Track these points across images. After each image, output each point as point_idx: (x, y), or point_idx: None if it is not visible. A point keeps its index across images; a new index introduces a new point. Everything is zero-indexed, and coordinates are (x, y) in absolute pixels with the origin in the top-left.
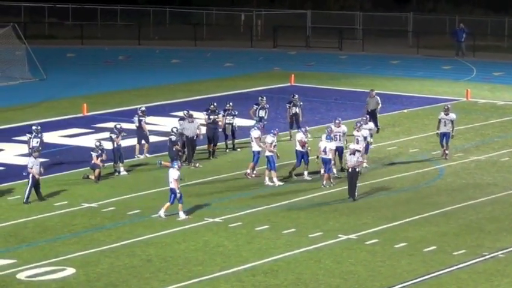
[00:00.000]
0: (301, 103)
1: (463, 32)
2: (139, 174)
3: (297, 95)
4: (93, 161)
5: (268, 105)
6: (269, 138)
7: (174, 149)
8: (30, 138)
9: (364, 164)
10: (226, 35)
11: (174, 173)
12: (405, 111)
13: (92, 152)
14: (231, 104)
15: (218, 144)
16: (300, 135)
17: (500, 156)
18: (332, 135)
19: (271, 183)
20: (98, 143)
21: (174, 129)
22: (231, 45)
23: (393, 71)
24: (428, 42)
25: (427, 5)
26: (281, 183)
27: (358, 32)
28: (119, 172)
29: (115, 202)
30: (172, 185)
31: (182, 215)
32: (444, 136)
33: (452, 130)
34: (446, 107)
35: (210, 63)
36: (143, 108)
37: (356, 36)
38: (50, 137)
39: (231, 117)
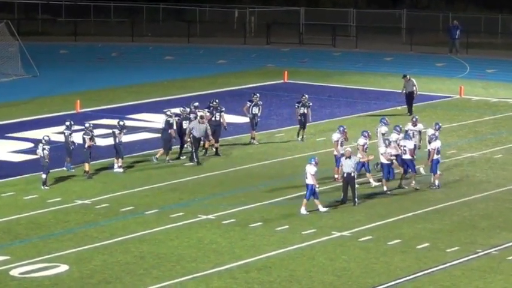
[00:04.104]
0: (311, 103)
1: (457, 29)
2: (132, 171)
3: (306, 95)
4: (86, 145)
5: (261, 102)
6: (361, 141)
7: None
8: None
9: (422, 171)
10: (220, 32)
11: (311, 169)
12: (398, 108)
13: (84, 136)
14: (217, 101)
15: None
16: (383, 149)
17: (493, 153)
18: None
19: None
20: (87, 125)
21: (170, 120)
22: (224, 42)
23: (387, 68)
24: (422, 39)
25: (420, 2)
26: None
27: (351, 29)
28: (119, 167)
29: (108, 199)
30: (309, 180)
31: (322, 209)
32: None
33: (420, 141)
34: (414, 119)
35: (203, 60)
36: (196, 104)
37: (349, 33)
38: (43, 134)
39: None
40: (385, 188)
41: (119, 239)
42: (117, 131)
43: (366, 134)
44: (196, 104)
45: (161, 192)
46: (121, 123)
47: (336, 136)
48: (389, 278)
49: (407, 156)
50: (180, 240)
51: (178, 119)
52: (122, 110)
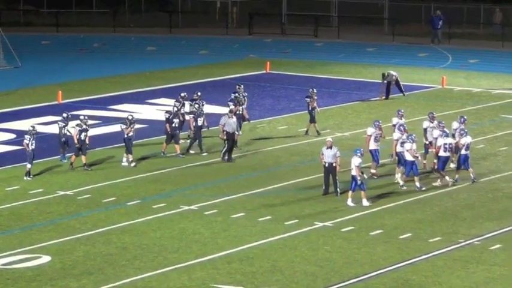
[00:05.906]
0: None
1: (439, 19)
2: (115, 162)
3: (315, 89)
4: (75, 136)
5: (246, 94)
6: (396, 135)
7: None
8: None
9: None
10: (202, 23)
11: (355, 160)
12: (382, 98)
13: (76, 126)
14: (199, 93)
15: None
16: (408, 145)
17: (475, 143)
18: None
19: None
20: (82, 117)
21: (166, 115)
22: (207, 33)
23: (369, 59)
24: (404, 29)
25: None
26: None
27: (333, 20)
28: (129, 163)
29: (90, 190)
30: (354, 171)
31: (365, 202)
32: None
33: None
34: (431, 114)
35: (186, 51)
36: (183, 94)
37: (332, 24)
38: (25, 125)
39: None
40: (418, 184)
41: (101, 230)
42: (123, 126)
43: (402, 129)
44: (183, 94)
45: (143, 183)
46: (130, 117)
47: (370, 130)
48: (371, 268)
49: (447, 154)
50: (162, 231)
51: (194, 116)
52: (104, 101)
